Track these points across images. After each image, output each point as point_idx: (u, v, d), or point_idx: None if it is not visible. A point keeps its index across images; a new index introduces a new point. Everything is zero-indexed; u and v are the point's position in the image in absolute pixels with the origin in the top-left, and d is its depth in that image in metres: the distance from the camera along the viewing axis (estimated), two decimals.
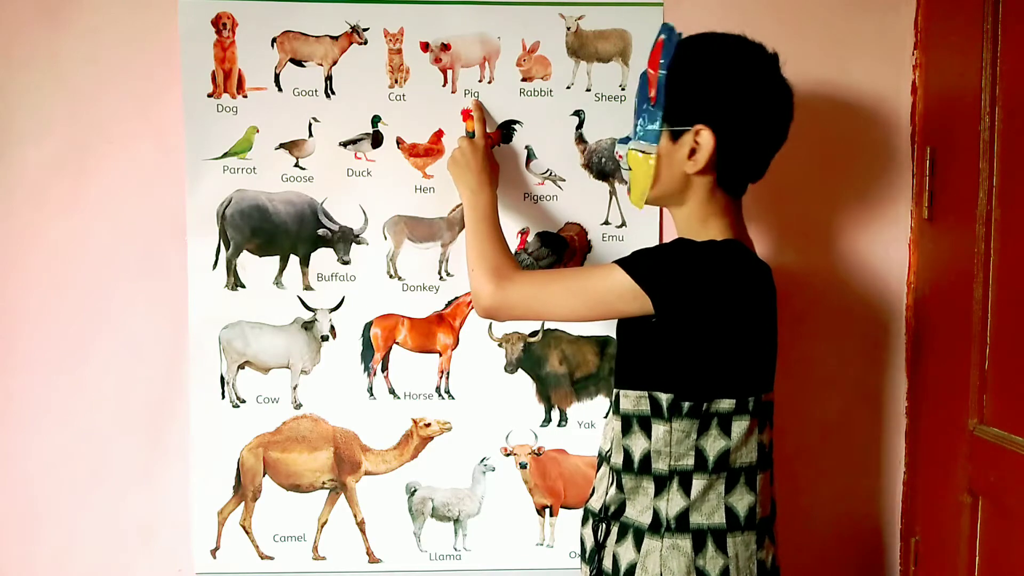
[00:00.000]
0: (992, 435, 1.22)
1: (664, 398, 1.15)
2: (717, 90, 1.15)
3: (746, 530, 1.16)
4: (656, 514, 1.15)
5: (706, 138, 1.14)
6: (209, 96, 1.47)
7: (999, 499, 1.21)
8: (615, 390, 1.22)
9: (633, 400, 1.18)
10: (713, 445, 1.14)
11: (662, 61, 1.15)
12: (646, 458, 1.17)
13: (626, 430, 1.19)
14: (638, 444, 1.17)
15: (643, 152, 1.19)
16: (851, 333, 1.54)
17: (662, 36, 1.16)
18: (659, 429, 1.15)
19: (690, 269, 1.13)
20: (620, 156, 1.25)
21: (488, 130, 1.47)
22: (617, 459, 1.20)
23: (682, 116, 1.15)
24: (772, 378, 1.22)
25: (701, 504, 1.15)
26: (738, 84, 1.15)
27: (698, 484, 1.15)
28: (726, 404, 1.14)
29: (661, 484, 1.16)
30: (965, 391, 1.29)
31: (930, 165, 1.44)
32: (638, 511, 1.17)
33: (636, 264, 1.14)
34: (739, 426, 1.15)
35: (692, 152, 1.16)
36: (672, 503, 1.15)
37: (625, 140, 1.23)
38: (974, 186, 1.27)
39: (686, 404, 1.14)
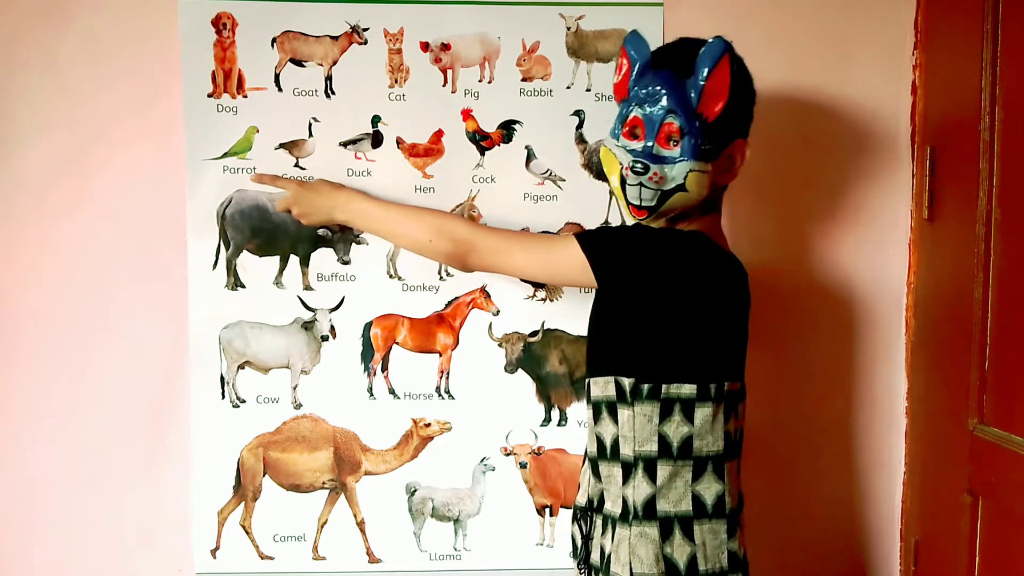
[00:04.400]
0: (992, 435, 1.23)
1: (627, 382, 1.17)
2: (751, 105, 1.21)
3: (714, 518, 1.16)
4: (625, 502, 1.17)
5: (745, 150, 1.20)
6: (209, 96, 1.47)
7: (999, 499, 1.22)
8: (586, 379, 1.24)
9: (601, 386, 1.20)
10: (676, 431, 1.15)
11: (731, 81, 1.15)
12: (615, 444, 1.18)
13: (596, 417, 1.21)
14: (608, 431, 1.19)
15: (703, 172, 1.17)
16: (851, 333, 1.54)
17: (726, 53, 1.14)
18: (623, 414, 1.17)
19: (636, 247, 1.16)
20: (648, 174, 1.16)
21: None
22: (592, 447, 1.23)
23: (734, 132, 1.19)
24: (740, 367, 1.22)
25: (668, 491, 1.15)
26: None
27: (663, 471, 1.15)
28: (687, 390, 1.15)
29: (627, 470, 1.17)
30: (965, 391, 1.29)
31: (930, 165, 1.44)
32: (611, 501, 1.19)
33: (589, 238, 1.19)
34: (702, 413, 1.16)
35: (728, 164, 1.19)
36: (638, 490, 1.16)
37: (653, 159, 1.16)
38: (974, 186, 1.27)
39: (645, 387, 1.15)
